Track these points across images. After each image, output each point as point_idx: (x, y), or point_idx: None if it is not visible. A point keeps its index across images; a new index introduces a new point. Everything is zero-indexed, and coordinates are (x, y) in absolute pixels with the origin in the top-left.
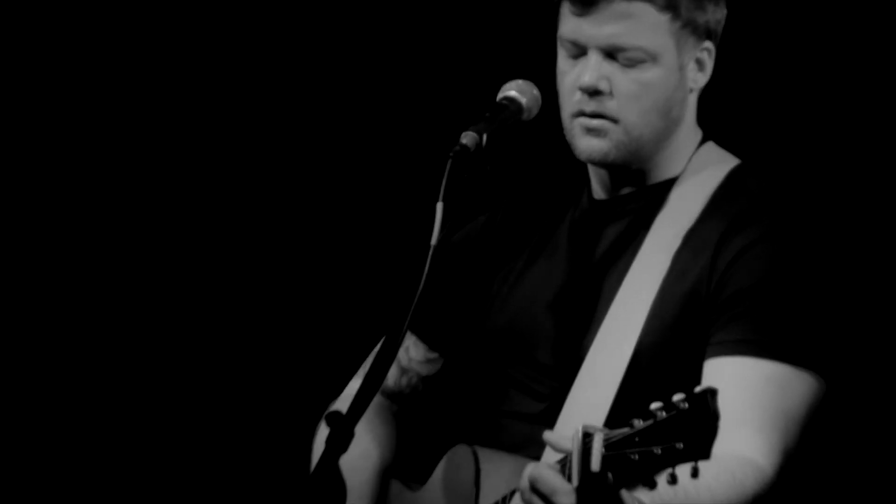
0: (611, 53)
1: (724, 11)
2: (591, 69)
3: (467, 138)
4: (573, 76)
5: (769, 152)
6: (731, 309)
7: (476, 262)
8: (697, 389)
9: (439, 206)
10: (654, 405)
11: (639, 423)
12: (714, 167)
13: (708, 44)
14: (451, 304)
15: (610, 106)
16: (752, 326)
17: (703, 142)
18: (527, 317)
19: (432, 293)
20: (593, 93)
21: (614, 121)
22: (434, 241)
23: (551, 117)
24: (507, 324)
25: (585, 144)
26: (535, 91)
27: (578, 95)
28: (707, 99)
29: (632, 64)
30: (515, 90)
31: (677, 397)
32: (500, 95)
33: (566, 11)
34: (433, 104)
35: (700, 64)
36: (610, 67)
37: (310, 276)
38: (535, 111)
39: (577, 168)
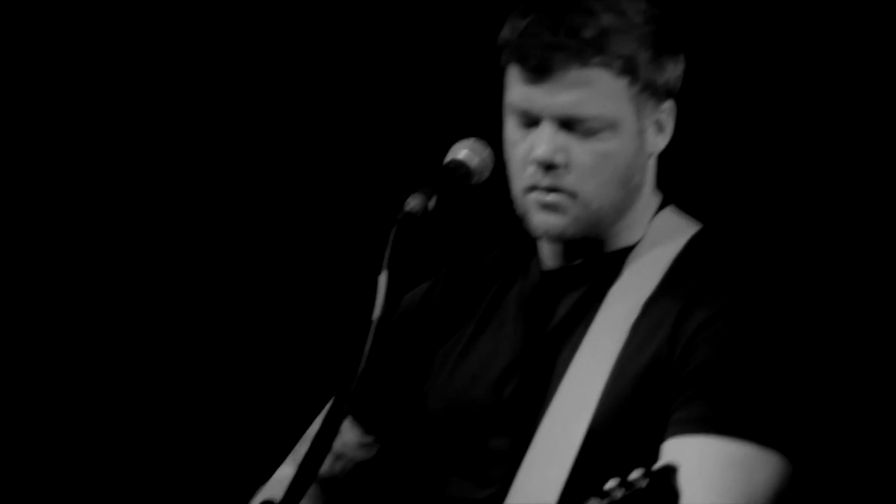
0: (566, 123)
1: (683, 65)
2: (546, 141)
3: (413, 203)
4: (525, 148)
5: (732, 214)
6: (691, 385)
7: (415, 337)
8: (656, 467)
9: (382, 277)
10: (611, 484)
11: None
12: (673, 235)
13: (667, 104)
14: (389, 382)
15: (567, 180)
16: (715, 404)
17: (662, 206)
18: (471, 395)
19: (371, 371)
20: (548, 167)
21: (572, 195)
22: (376, 315)
23: (500, 180)
24: (449, 403)
25: (541, 221)
26: (487, 152)
27: (532, 169)
28: (667, 159)
29: (589, 134)
30: (465, 152)
31: (635, 475)
32: (449, 157)
33: (515, 77)
34: (377, 167)
35: (660, 126)
36: (565, 138)
37: (239, 356)
38: (485, 174)
39: (524, 233)
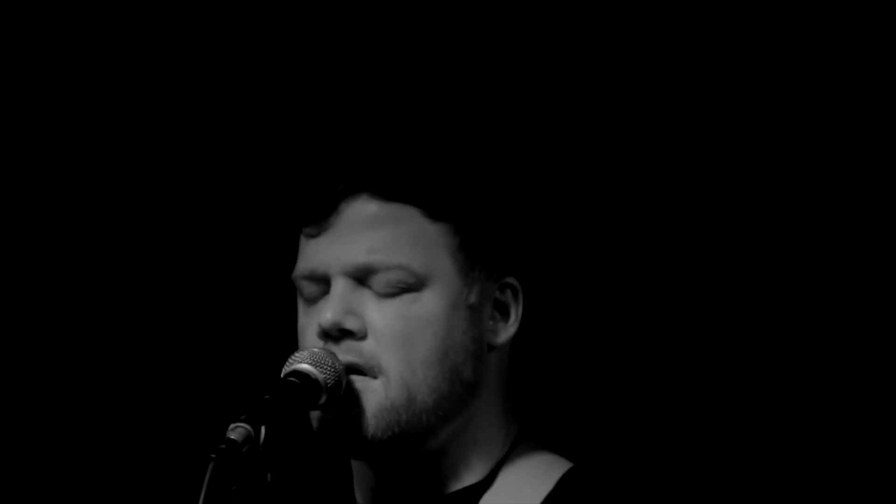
0: (363, 277)
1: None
2: (334, 302)
3: (236, 433)
4: (314, 324)
5: (605, 445)
6: None
7: None
8: None
9: None
10: None
11: None
12: (538, 473)
13: (511, 280)
14: None
15: (365, 350)
16: None
17: (519, 437)
18: None
19: None
20: (338, 335)
21: (373, 374)
22: None
23: None
24: None
25: (333, 428)
26: (339, 363)
27: (319, 346)
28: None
29: (393, 291)
30: (308, 362)
31: None
32: (287, 369)
33: (302, 243)
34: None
35: (502, 310)
36: (363, 299)
37: None
38: (339, 391)
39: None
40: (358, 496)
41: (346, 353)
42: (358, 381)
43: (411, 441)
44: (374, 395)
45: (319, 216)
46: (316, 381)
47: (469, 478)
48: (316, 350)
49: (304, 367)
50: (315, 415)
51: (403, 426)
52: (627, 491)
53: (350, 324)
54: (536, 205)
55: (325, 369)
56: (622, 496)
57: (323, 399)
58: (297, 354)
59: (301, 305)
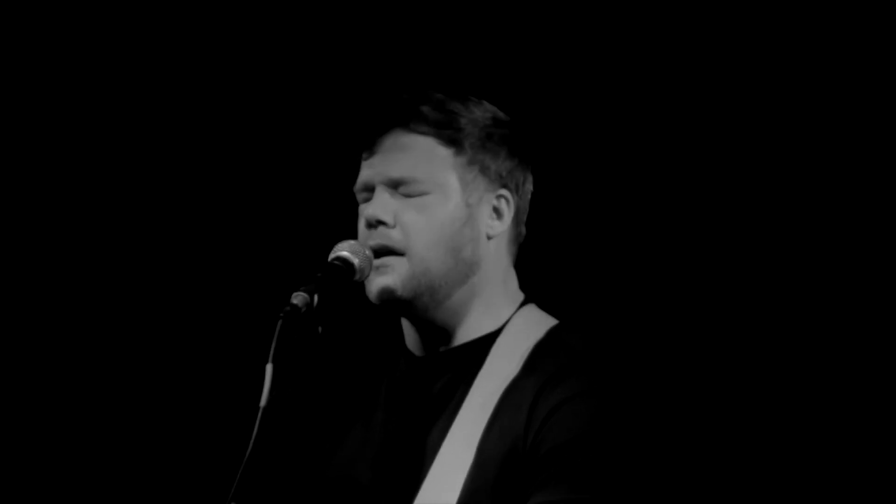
0: (395, 186)
1: (528, 172)
2: (375, 202)
3: (298, 299)
4: (364, 218)
5: (587, 315)
6: (547, 467)
7: (296, 427)
8: None
9: (269, 368)
10: None
11: None
12: (534, 326)
13: (504, 192)
14: (274, 470)
15: (394, 236)
16: (570, 486)
17: (523, 304)
18: (347, 482)
19: (257, 458)
20: (377, 224)
21: (400, 253)
22: (263, 403)
23: None
24: (328, 490)
25: (373, 284)
26: (369, 251)
27: (366, 233)
28: (530, 265)
29: (414, 194)
30: (348, 251)
31: None
32: (332, 255)
33: (361, 166)
34: (262, 258)
35: (497, 211)
36: (394, 201)
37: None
38: (367, 271)
39: (396, 329)
40: (408, 344)
41: (380, 237)
42: (389, 259)
43: (429, 299)
44: (399, 267)
45: (370, 144)
46: (352, 264)
47: (487, 328)
48: (353, 242)
49: (344, 254)
50: (367, 285)
51: (422, 288)
52: (595, 343)
53: (384, 217)
54: (522, 141)
55: (359, 256)
56: (589, 346)
57: (357, 276)
58: (339, 244)
59: (360, 207)
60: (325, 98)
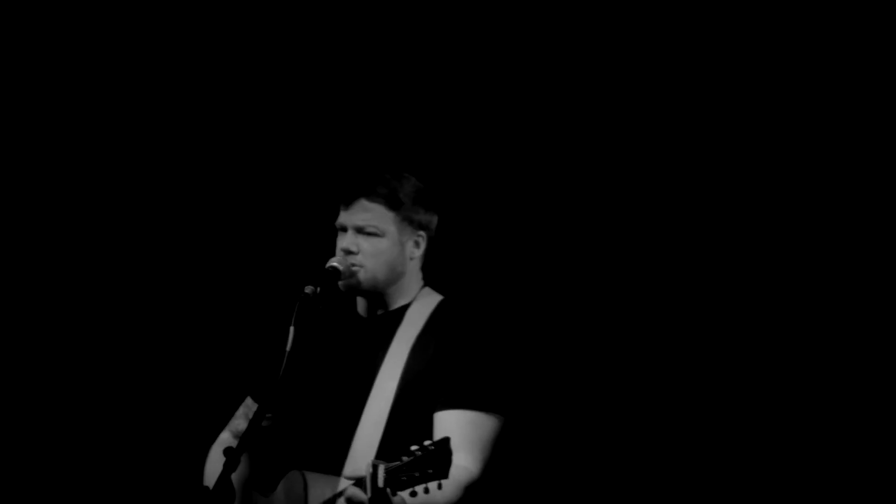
0: (359, 230)
1: (435, 217)
2: (348, 238)
3: (308, 289)
4: (342, 244)
5: (465, 292)
6: (445, 379)
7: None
8: (438, 438)
9: (292, 329)
10: (413, 447)
11: (405, 458)
12: (430, 299)
13: (422, 233)
14: (285, 386)
15: (358, 259)
16: (458, 388)
17: (424, 286)
18: (323, 395)
19: (279, 380)
20: (348, 252)
21: (361, 267)
22: (288, 348)
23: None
24: (312, 398)
25: (347, 282)
26: (349, 262)
27: (342, 254)
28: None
29: (370, 235)
30: (337, 262)
31: (427, 442)
32: (328, 264)
33: (340, 213)
34: (263, 257)
35: (416, 244)
36: (359, 238)
37: (180, 349)
38: (346, 275)
39: (350, 303)
40: (359, 310)
41: (351, 258)
42: (356, 269)
43: (376, 289)
44: (362, 274)
45: (347, 203)
46: (339, 270)
47: (404, 301)
48: (339, 257)
49: (334, 263)
50: (341, 283)
51: (371, 284)
52: (469, 306)
53: (353, 248)
54: (432, 199)
55: (343, 265)
56: (465, 308)
57: (343, 278)
58: (332, 258)
59: (339, 236)
60: (326, 107)
